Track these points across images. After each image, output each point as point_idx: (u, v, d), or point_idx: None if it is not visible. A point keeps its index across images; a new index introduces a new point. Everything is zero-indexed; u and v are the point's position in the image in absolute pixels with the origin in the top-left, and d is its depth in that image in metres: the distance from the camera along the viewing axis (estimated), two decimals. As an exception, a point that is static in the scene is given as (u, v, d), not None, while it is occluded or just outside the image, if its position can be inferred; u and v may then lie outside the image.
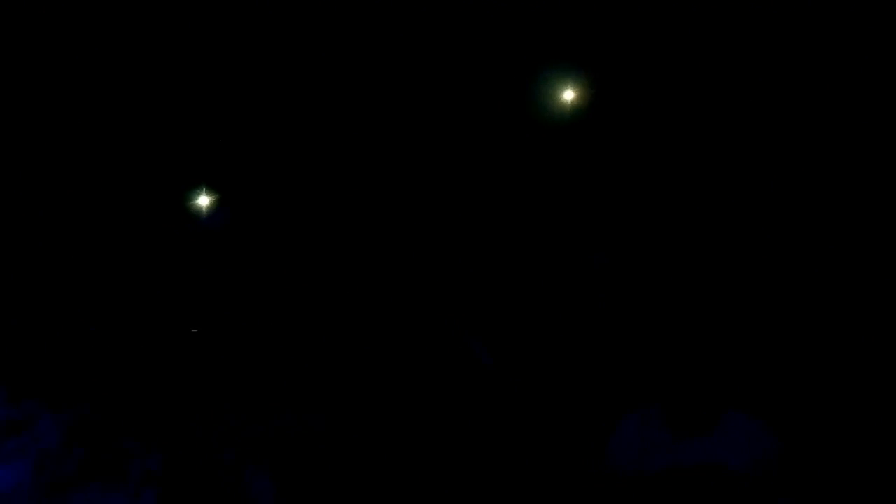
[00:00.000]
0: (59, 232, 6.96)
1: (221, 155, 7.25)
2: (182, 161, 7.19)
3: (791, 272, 6.44)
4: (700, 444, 4.26)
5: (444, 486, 5.80)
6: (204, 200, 7.13)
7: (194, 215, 7.12)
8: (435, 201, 7.15)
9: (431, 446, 6.06)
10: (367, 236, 7.06)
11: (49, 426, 5.74)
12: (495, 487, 5.63)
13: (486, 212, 7.09)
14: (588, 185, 7.09)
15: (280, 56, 7.25)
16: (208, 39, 7.18)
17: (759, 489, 4.24)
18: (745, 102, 6.90)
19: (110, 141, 7.14)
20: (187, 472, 6.26)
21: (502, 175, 7.17)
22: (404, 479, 6.07)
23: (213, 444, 6.44)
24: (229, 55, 7.24)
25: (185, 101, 7.21)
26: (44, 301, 6.69)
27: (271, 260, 7.07)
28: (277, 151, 7.28)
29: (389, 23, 7.19)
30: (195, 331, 6.78)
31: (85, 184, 7.09)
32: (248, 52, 7.24)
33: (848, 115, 6.66)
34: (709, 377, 4.27)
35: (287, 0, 7.12)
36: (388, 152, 7.21)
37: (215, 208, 7.14)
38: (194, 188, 7.15)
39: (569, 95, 7.20)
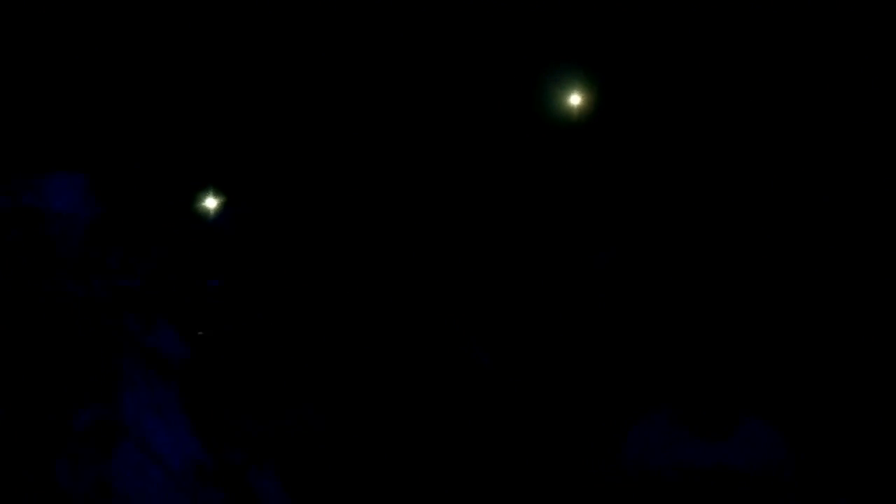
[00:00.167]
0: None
1: (228, 157, 7.30)
2: (190, 163, 7.24)
3: (804, 276, 6.42)
4: (714, 448, 4.27)
5: (446, 486, 5.82)
6: (211, 202, 7.18)
7: (202, 216, 7.17)
8: (436, 201, 7.17)
9: (432, 447, 6.08)
10: (368, 236, 7.08)
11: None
12: (498, 487, 5.64)
13: (486, 211, 7.10)
14: (591, 184, 7.09)
15: (286, 58, 7.29)
16: (218, 43, 7.22)
17: (772, 494, 4.25)
18: (748, 103, 6.90)
19: (120, 143, 7.20)
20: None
21: (504, 175, 7.18)
22: (406, 480, 6.10)
23: (216, 446, 6.47)
24: (237, 58, 7.29)
25: (193, 103, 7.27)
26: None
27: (275, 260, 7.11)
28: (283, 153, 7.32)
29: (397, 25, 7.22)
30: (200, 333, 6.82)
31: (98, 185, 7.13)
32: (257, 55, 7.28)
33: (852, 116, 6.65)
34: (724, 380, 4.29)
35: (296, 4, 7.16)
36: (391, 153, 7.23)
37: (222, 210, 7.19)
38: (202, 190, 7.20)
39: (574, 98, 7.21)
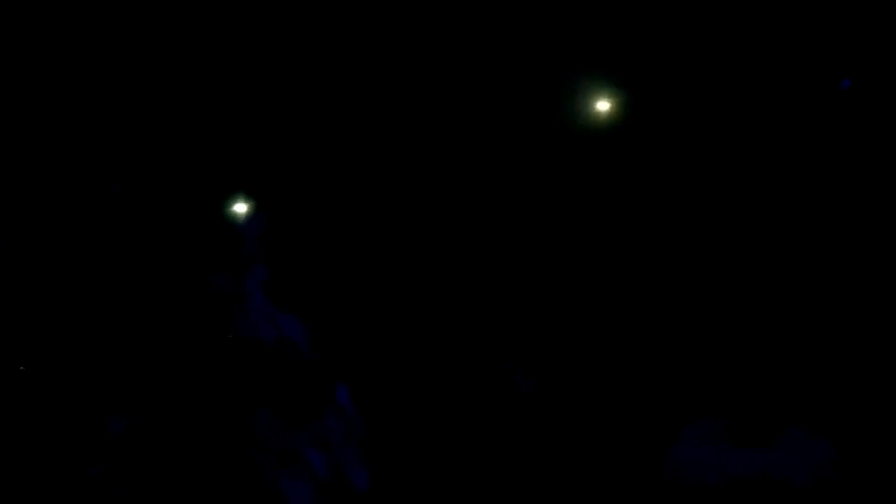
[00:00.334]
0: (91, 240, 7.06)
1: (258, 163, 7.32)
2: (220, 169, 7.27)
3: (853, 281, 6.37)
4: (761, 457, 4.28)
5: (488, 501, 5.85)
6: (241, 207, 7.21)
7: (233, 222, 7.20)
8: (472, 221, 7.16)
9: (468, 467, 6.10)
10: (410, 254, 7.10)
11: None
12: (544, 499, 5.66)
13: (526, 235, 7.08)
14: (633, 200, 7.04)
15: (314, 67, 7.31)
16: (252, 53, 7.26)
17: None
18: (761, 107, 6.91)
19: (151, 149, 7.24)
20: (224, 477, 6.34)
21: (536, 196, 7.16)
22: (450, 496, 6.13)
23: (247, 451, 6.52)
24: (268, 68, 7.32)
25: (223, 111, 7.30)
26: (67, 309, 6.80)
27: (311, 268, 7.14)
28: (316, 161, 7.34)
29: (430, 31, 7.23)
30: (230, 336, 6.85)
31: (126, 192, 7.17)
32: (288, 64, 7.31)
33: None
34: (770, 389, 4.30)
35: (332, 17, 7.19)
36: (431, 168, 7.24)
37: (252, 215, 7.21)
38: (233, 195, 7.23)
39: (602, 103, 7.20)
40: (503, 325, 6.78)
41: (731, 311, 6.20)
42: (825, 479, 4.27)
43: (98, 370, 6.65)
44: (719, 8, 7.01)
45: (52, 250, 6.89)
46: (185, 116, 7.30)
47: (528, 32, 7.26)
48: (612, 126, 7.18)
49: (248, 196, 7.22)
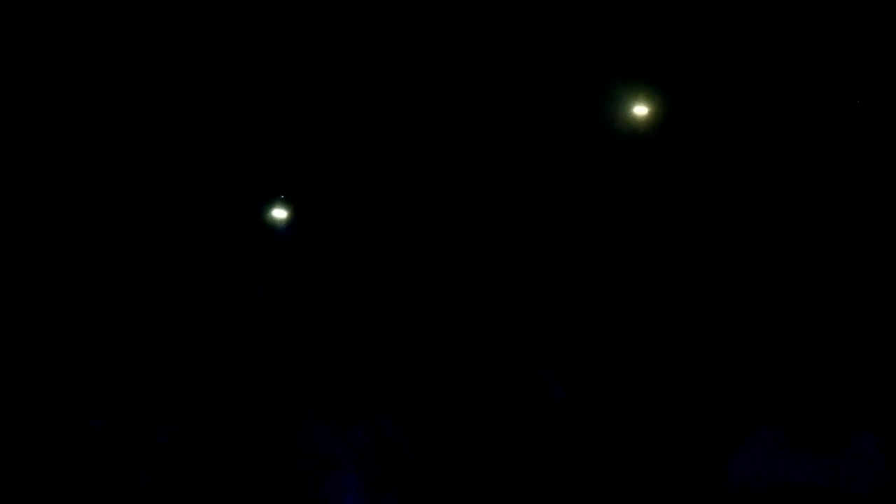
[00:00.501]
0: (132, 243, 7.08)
1: (296, 170, 7.34)
2: (260, 174, 7.30)
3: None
4: (824, 464, 4.27)
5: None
6: (281, 213, 7.23)
7: (272, 227, 7.22)
8: (511, 227, 7.16)
9: (502, 467, 6.10)
10: (445, 260, 7.11)
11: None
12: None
13: (568, 240, 7.07)
14: (681, 205, 7.01)
15: (348, 76, 7.34)
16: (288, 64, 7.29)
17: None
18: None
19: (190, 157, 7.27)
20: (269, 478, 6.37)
21: (571, 201, 7.15)
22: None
23: (292, 454, 6.54)
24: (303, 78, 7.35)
25: (261, 121, 7.33)
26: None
27: (354, 275, 7.16)
28: (359, 168, 7.36)
29: (466, 38, 7.24)
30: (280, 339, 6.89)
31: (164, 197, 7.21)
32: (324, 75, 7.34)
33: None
34: (834, 396, 4.30)
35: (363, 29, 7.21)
36: (468, 175, 7.24)
37: (291, 220, 7.24)
38: (272, 201, 7.26)
39: (639, 108, 7.21)
40: (543, 333, 6.79)
41: (795, 317, 6.19)
42: (888, 486, 4.27)
43: (144, 381, 6.69)
44: (757, 17, 7.02)
45: (94, 257, 6.93)
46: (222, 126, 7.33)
47: (566, 38, 7.27)
48: (649, 131, 7.18)
49: (287, 201, 7.25)
